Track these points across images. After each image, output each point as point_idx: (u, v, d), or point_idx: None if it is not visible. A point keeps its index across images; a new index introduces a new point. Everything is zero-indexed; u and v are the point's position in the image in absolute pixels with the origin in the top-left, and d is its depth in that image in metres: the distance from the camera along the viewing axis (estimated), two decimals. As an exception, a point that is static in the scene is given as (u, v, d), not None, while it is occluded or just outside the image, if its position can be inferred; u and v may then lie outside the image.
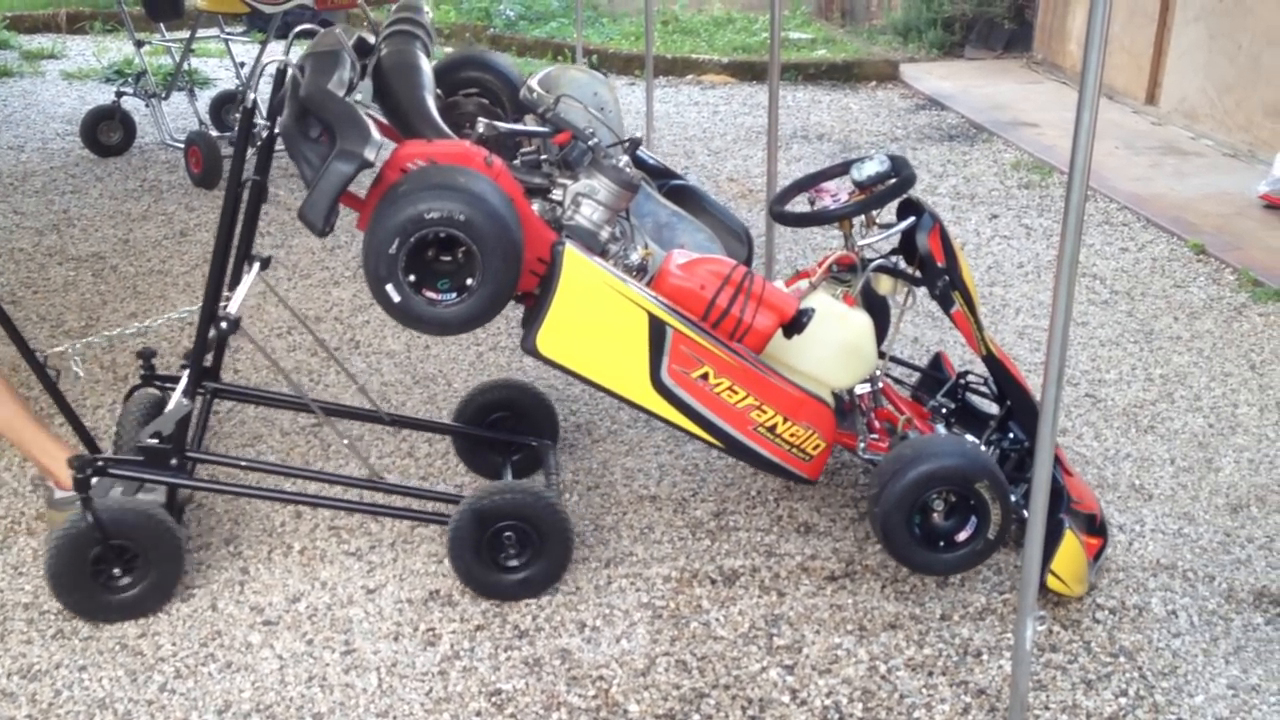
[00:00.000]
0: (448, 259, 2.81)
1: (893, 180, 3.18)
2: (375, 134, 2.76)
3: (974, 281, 3.29)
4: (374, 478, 3.32)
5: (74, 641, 2.93)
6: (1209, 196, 6.29)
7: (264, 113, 3.03)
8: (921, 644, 2.97)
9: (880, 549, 3.22)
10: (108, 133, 6.99)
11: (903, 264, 3.31)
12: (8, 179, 6.55)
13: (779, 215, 3.39)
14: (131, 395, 3.50)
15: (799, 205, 3.36)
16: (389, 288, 2.77)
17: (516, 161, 3.26)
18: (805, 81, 9.25)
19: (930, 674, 2.87)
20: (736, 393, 3.01)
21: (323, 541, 3.34)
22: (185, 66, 7.01)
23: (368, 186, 2.95)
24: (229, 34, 7.42)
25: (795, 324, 3.03)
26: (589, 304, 2.91)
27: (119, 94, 7.04)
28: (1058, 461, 3.15)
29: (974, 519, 2.99)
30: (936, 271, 3.17)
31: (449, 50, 10.34)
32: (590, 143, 3.11)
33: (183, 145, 6.54)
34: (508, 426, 3.59)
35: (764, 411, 3.03)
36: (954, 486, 2.96)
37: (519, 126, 3.39)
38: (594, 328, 2.93)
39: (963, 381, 3.51)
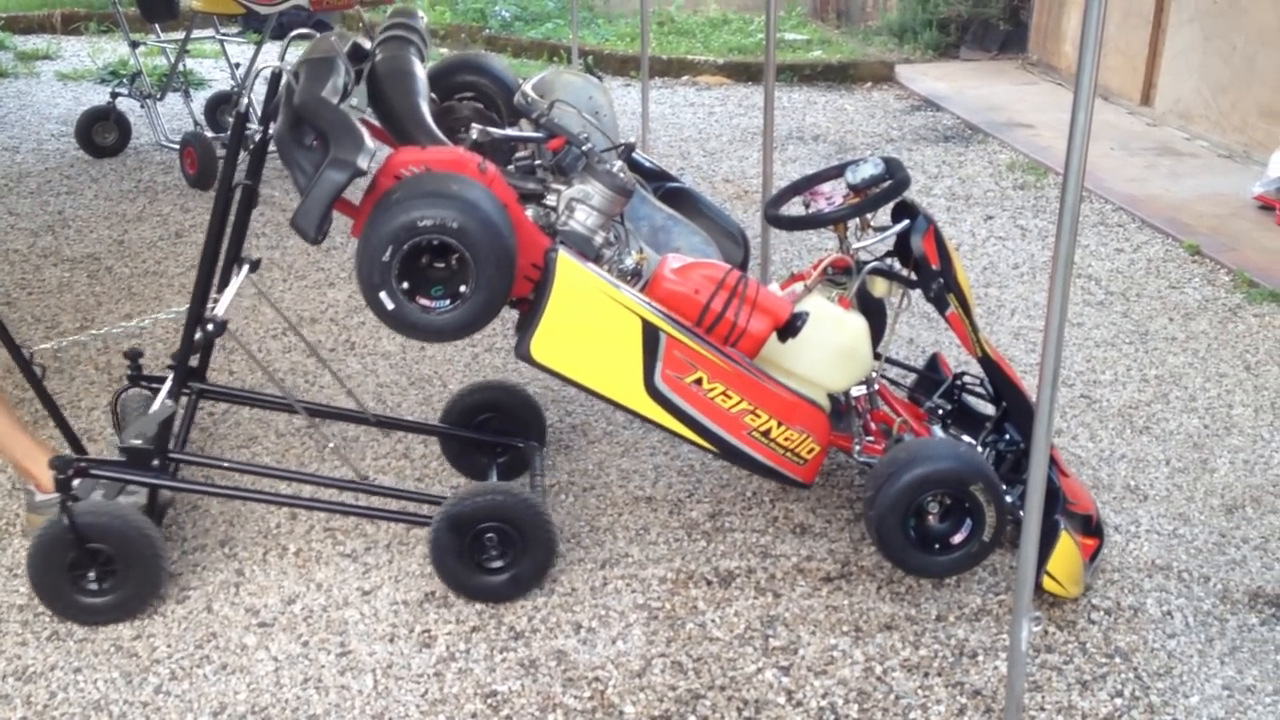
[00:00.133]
0: (441, 266, 2.82)
1: (887, 183, 3.18)
2: (369, 141, 2.76)
3: (969, 283, 3.30)
4: (358, 479, 3.32)
5: (69, 643, 2.93)
6: (1204, 197, 6.30)
7: (257, 117, 3.03)
8: (917, 645, 2.97)
9: (876, 550, 3.22)
10: (103, 134, 6.98)
11: (898, 266, 3.31)
12: (2, 180, 6.54)
13: (774, 219, 3.39)
14: (120, 396, 3.50)
15: (794, 208, 3.36)
16: (382, 295, 2.78)
17: (511, 167, 3.27)
18: (801, 82, 9.26)
19: (926, 675, 2.87)
20: (730, 397, 3.01)
21: (318, 543, 3.33)
22: (180, 67, 7.00)
23: (362, 193, 2.96)
24: (224, 35, 7.41)
25: (789, 328, 3.04)
26: (582, 310, 2.91)
27: (114, 95, 7.04)
28: (1053, 462, 3.16)
29: (969, 521, 2.99)
30: (931, 274, 3.17)
31: (444, 51, 10.35)
32: (584, 148, 3.11)
33: (178, 146, 6.53)
34: (495, 428, 3.58)
35: (758, 416, 3.03)
36: (949, 489, 2.97)
37: (513, 132, 3.39)
38: (587, 334, 2.93)
39: (959, 383, 3.52)
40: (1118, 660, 2.92)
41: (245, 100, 3.07)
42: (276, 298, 5.01)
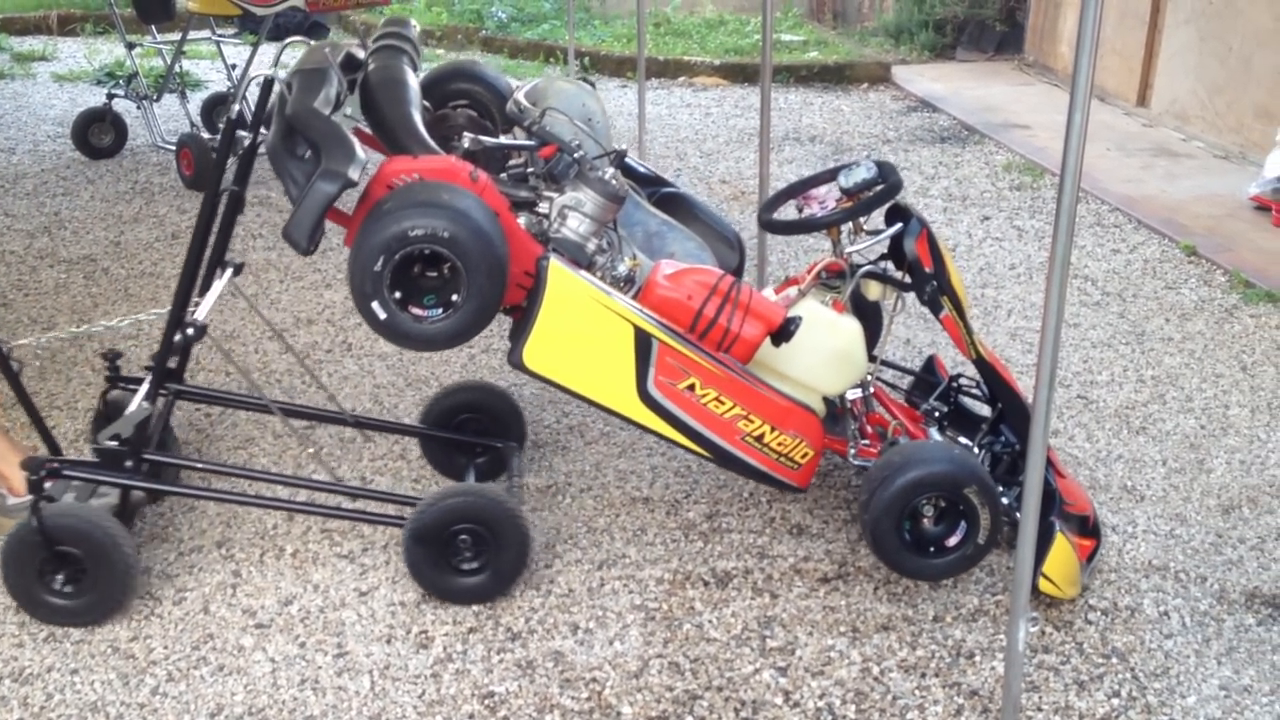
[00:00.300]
0: (433, 275, 2.83)
1: (880, 187, 3.19)
2: (360, 152, 2.78)
3: (963, 286, 3.31)
4: (333, 481, 3.32)
5: (65, 644, 2.93)
6: (1200, 198, 6.31)
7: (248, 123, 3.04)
8: (914, 645, 2.97)
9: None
10: (99, 135, 6.98)
11: (892, 269, 3.31)
12: (-2, 181, 6.54)
13: (767, 223, 3.40)
14: (106, 396, 3.49)
15: (788, 212, 3.37)
16: (374, 305, 2.79)
17: (503, 175, 3.27)
18: (797, 83, 9.26)
19: (923, 675, 2.87)
20: (723, 403, 3.02)
21: (315, 544, 3.33)
22: (177, 69, 7.00)
23: (355, 202, 2.96)
24: (220, 36, 7.41)
25: (783, 332, 3.05)
26: (574, 318, 2.92)
27: (110, 96, 7.03)
28: (1050, 463, 3.16)
29: (964, 524, 3.00)
30: (924, 277, 3.18)
31: (440, 52, 10.35)
32: (576, 155, 3.12)
33: (174, 147, 6.53)
34: (474, 428, 3.58)
35: (751, 421, 3.04)
36: (943, 492, 2.97)
37: (504, 140, 3.40)
38: (580, 341, 2.94)
39: (955, 384, 3.52)
40: (1115, 660, 2.92)
41: (237, 107, 3.07)
42: (274, 299, 5.01)
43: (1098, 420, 4.07)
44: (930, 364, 3.74)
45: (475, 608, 3.07)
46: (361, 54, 3.43)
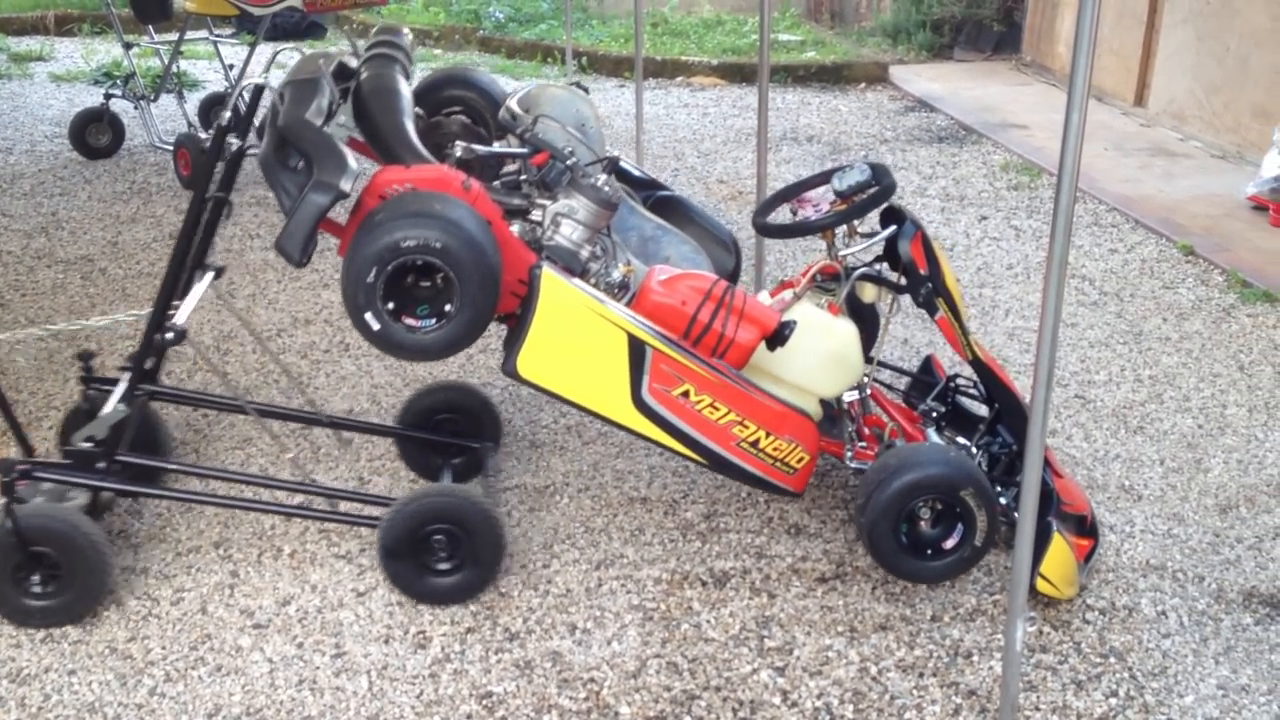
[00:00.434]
0: (426, 285, 2.83)
1: (873, 189, 3.19)
2: (352, 163, 2.78)
3: (958, 287, 3.31)
4: (307, 481, 3.32)
5: (63, 645, 2.92)
6: (1197, 198, 6.31)
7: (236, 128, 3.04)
8: (912, 645, 2.97)
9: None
10: (96, 135, 6.98)
11: (888, 271, 3.32)
12: (-4, 181, 6.53)
13: (761, 227, 3.41)
14: (86, 396, 3.48)
15: (782, 216, 3.37)
16: (368, 316, 2.79)
17: (497, 183, 3.27)
18: (795, 83, 9.26)
19: (921, 675, 2.87)
20: (718, 409, 3.02)
21: (313, 545, 3.33)
22: (174, 69, 7.00)
23: (349, 212, 2.97)
24: (218, 36, 7.40)
25: (777, 337, 3.05)
26: (568, 326, 2.92)
27: (107, 96, 7.03)
28: (1047, 463, 3.16)
29: (960, 526, 3.00)
30: (919, 279, 3.19)
31: (438, 52, 10.36)
32: (568, 162, 3.12)
33: (171, 147, 6.53)
34: (451, 429, 3.58)
35: (746, 427, 3.04)
36: (939, 495, 2.98)
37: (496, 148, 3.40)
38: (573, 349, 2.95)
39: (953, 385, 3.52)
40: (1112, 660, 2.93)
41: (228, 113, 3.06)
42: (271, 299, 5.01)
43: (1095, 420, 4.07)
44: (928, 364, 3.74)
45: (473, 607, 3.07)
46: (354, 63, 3.43)
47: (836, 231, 3.29)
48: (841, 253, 3.27)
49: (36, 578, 2.93)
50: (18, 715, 2.71)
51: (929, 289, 3.19)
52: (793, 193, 3.42)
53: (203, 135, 6.57)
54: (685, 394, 2.99)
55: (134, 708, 2.74)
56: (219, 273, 3.29)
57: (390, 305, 2.80)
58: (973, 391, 3.50)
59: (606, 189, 3.11)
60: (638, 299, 3.07)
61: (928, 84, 8.97)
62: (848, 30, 10.95)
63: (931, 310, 3.22)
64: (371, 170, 2.99)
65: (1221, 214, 6.05)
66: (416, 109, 3.51)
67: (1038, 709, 2.77)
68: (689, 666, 2.89)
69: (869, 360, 3.31)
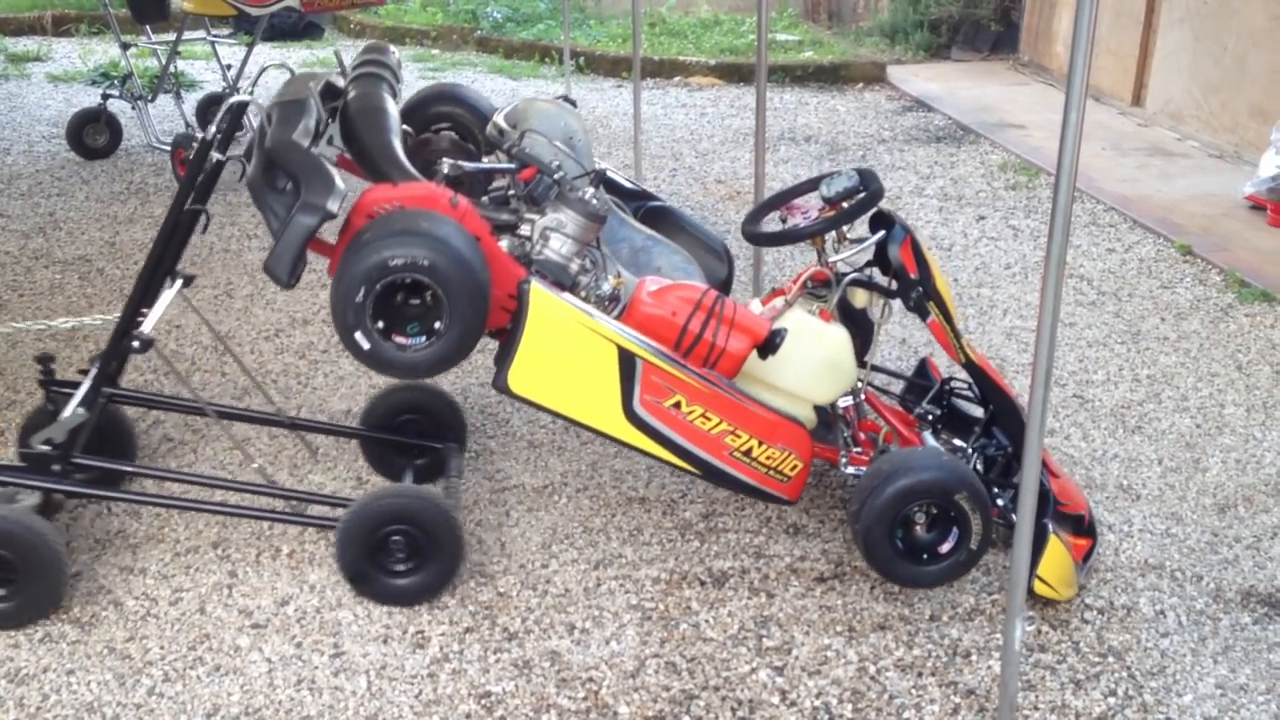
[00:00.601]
0: (416, 303, 2.84)
1: (861, 195, 3.20)
2: (339, 184, 2.78)
3: (949, 291, 3.32)
4: (268, 483, 3.32)
5: (62, 645, 2.92)
6: (1195, 197, 6.32)
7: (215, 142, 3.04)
8: (911, 645, 2.97)
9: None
10: (94, 135, 6.97)
11: (878, 276, 3.32)
12: (-7, 182, 6.53)
13: (751, 235, 3.42)
14: (49, 398, 3.47)
15: (772, 224, 3.38)
16: (358, 335, 2.80)
17: (485, 199, 3.28)
18: (792, 83, 9.27)
19: (919, 675, 2.87)
20: (710, 419, 3.02)
21: (311, 545, 3.33)
22: (171, 69, 6.99)
23: (338, 232, 2.97)
24: (215, 36, 7.40)
25: (768, 345, 3.06)
26: (557, 340, 2.93)
27: (105, 96, 7.02)
28: (1043, 464, 3.16)
29: (956, 530, 3.01)
30: (910, 283, 3.20)
31: (436, 52, 10.35)
32: (556, 176, 3.12)
33: (169, 148, 6.52)
34: (414, 430, 3.57)
35: (738, 436, 3.04)
36: (934, 499, 2.98)
37: (484, 164, 3.41)
38: (564, 363, 2.95)
39: (948, 387, 3.52)
40: (1111, 659, 2.93)
41: (213, 128, 3.06)
42: (269, 299, 5.01)
43: (1093, 419, 4.07)
44: (923, 367, 3.74)
45: (471, 607, 3.07)
46: (341, 82, 3.44)
47: (826, 237, 3.30)
48: (832, 258, 3.27)
49: None
50: (16, 715, 2.71)
51: (920, 293, 3.20)
52: (781, 200, 3.43)
53: (200, 136, 6.56)
54: (676, 405, 2.99)
55: (132, 707, 2.74)
56: (188, 281, 3.28)
57: (380, 324, 2.81)
58: (968, 394, 3.50)
59: (594, 202, 3.12)
60: (628, 311, 3.07)
61: (925, 84, 8.97)
62: (845, 30, 10.96)
63: (923, 314, 3.23)
64: (360, 189, 3.00)
65: (1219, 213, 6.06)
66: (405, 126, 3.52)
67: (1036, 708, 2.77)
68: (687, 666, 2.89)
69: (862, 365, 3.31)
